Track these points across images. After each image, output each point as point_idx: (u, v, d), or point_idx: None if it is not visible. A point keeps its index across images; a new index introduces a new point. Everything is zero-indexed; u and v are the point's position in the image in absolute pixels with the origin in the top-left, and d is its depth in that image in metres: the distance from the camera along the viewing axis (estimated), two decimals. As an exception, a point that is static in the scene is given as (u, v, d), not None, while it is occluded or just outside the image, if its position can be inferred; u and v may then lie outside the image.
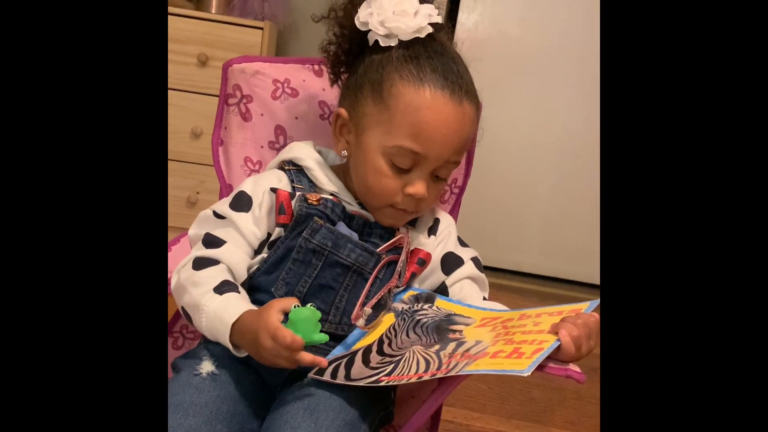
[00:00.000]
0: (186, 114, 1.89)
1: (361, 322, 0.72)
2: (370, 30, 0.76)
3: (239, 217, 0.77)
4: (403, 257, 0.77)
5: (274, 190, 0.78)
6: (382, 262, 0.76)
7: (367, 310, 0.72)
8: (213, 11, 1.98)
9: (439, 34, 0.78)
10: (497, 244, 2.26)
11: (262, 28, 1.88)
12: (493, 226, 2.26)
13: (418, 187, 0.75)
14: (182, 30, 1.87)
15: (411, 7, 0.74)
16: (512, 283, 2.21)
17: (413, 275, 0.80)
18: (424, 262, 0.80)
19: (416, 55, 0.74)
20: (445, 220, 0.87)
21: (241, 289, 0.73)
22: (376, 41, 0.76)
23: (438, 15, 0.77)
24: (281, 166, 0.83)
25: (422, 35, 0.75)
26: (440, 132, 0.73)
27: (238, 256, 0.76)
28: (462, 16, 2.21)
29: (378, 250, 0.76)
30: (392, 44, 0.75)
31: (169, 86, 1.89)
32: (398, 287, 0.78)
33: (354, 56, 0.80)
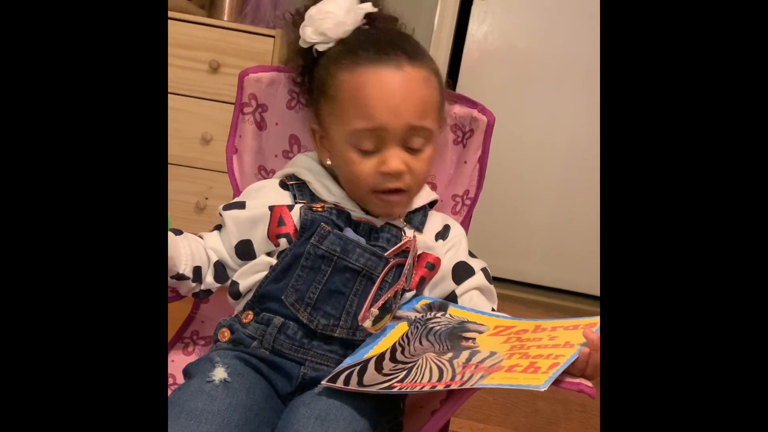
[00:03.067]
0: (196, 120, 1.90)
1: (368, 323, 0.72)
2: (312, 45, 0.80)
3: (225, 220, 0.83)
4: (409, 260, 0.77)
5: (271, 208, 0.80)
6: (390, 264, 0.76)
7: (374, 311, 0.72)
8: (225, 18, 1.99)
9: (376, 23, 0.81)
10: (502, 254, 2.26)
11: (273, 36, 1.89)
12: (498, 235, 2.26)
13: (390, 163, 0.76)
14: (194, 36, 1.88)
15: (338, 8, 0.78)
16: (517, 294, 2.21)
17: (422, 279, 0.80)
18: (433, 267, 0.81)
19: (350, 45, 0.78)
20: (456, 228, 0.87)
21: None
22: (317, 50, 0.80)
23: (370, 5, 0.80)
24: (284, 181, 0.85)
25: (352, 28, 0.79)
26: (384, 100, 0.74)
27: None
28: (472, 27, 2.22)
29: (386, 254, 0.77)
30: (330, 45, 0.79)
31: (180, 92, 1.91)
32: (405, 290, 0.78)
33: (309, 66, 0.83)
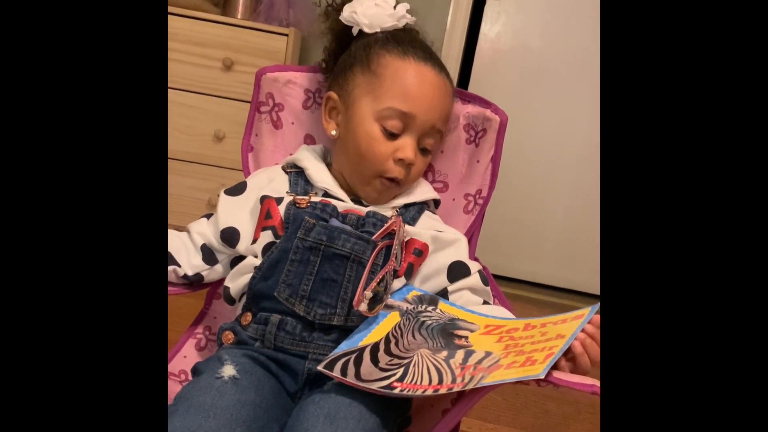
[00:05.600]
0: (209, 117, 1.91)
1: (363, 306, 0.72)
2: (353, 26, 0.85)
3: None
4: (396, 240, 0.78)
5: (262, 199, 0.82)
6: (378, 247, 0.77)
7: (368, 294, 0.72)
8: (239, 16, 2.00)
9: (406, 28, 0.87)
10: (514, 255, 2.26)
11: (287, 35, 1.90)
12: (510, 236, 2.26)
13: (408, 151, 0.80)
14: (208, 34, 1.90)
15: (389, 5, 0.85)
16: (528, 294, 2.21)
17: (411, 266, 0.80)
18: (421, 253, 0.81)
19: (398, 38, 0.83)
20: (455, 232, 0.87)
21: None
22: (360, 32, 0.84)
23: (412, 18, 0.86)
24: (284, 167, 0.88)
25: (400, 25, 0.85)
26: (426, 94, 0.81)
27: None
28: (485, 27, 2.22)
29: (373, 237, 0.77)
30: (370, 31, 0.84)
31: (193, 89, 1.92)
32: (396, 269, 0.78)
33: (342, 49, 0.88)
